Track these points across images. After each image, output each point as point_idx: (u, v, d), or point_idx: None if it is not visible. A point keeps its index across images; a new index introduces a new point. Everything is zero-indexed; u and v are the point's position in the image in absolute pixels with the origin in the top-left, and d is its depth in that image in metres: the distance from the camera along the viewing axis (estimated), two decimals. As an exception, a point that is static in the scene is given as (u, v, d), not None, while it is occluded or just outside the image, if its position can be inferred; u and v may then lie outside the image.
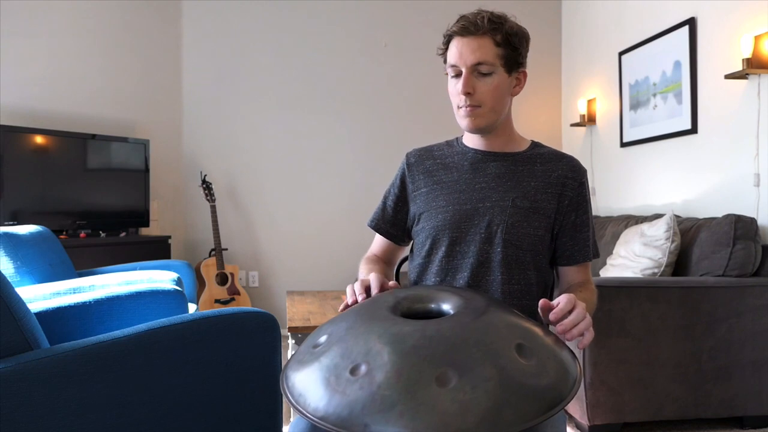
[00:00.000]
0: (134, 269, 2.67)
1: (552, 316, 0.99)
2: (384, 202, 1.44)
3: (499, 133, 1.31)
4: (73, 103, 3.83)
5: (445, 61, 1.29)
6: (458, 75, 1.25)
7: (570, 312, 1.00)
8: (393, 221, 1.42)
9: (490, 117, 1.26)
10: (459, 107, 1.26)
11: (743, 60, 2.70)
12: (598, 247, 1.36)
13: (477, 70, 1.22)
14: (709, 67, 3.05)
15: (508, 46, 1.23)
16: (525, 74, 1.31)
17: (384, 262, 1.46)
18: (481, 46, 1.21)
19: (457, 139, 1.41)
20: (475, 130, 1.28)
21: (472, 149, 1.34)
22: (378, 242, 1.46)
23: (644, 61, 3.59)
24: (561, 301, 1.00)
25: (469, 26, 1.21)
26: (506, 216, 1.26)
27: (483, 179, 1.30)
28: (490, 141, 1.32)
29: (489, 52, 1.22)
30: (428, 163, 1.38)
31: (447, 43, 1.27)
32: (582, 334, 1.01)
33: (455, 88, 1.25)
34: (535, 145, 1.36)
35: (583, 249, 1.31)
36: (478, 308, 0.90)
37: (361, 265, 1.42)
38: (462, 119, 1.28)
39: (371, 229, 1.45)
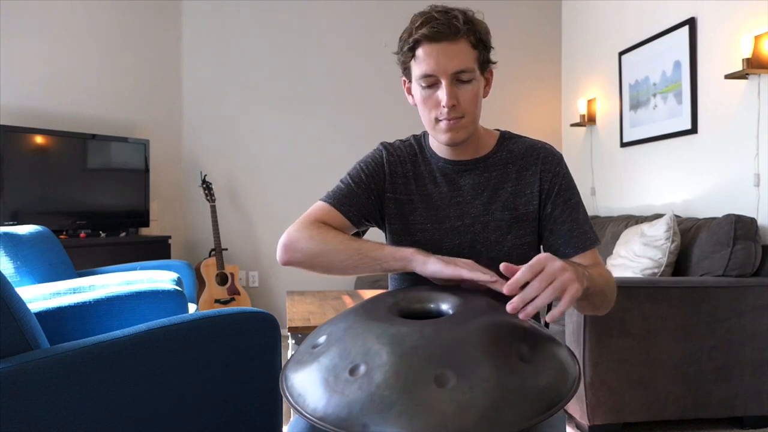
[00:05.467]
0: (134, 269, 2.67)
1: (505, 289, 0.87)
2: (349, 183, 1.23)
3: (471, 139, 1.19)
4: (73, 103, 3.83)
5: (404, 69, 1.16)
6: (432, 85, 1.12)
7: (533, 280, 0.86)
8: (356, 203, 1.21)
9: (471, 127, 1.15)
10: (438, 120, 1.13)
11: (743, 60, 2.70)
12: (595, 235, 1.21)
13: (456, 78, 1.10)
14: (709, 67, 3.05)
15: (482, 47, 1.12)
16: (492, 73, 1.19)
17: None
18: (459, 51, 1.08)
19: (424, 135, 1.27)
20: (458, 142, 1.16)
21: (443, 159, 1.22)
22: (329, 215, 1.20)
23: (644, 61, 3.59)
24: (521, 269, 0.87)
25: (444, 30, 1.07)
26: (488, 232, 1.19)
27: (458, 193, 1.21)
28: (461, 150, 1.21)
29: (468, 57, 1.09)
30: (400, 170, 1.25)
31: (412, 50, 1.12)
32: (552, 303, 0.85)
33: (431, 99, 1.12)
34: (503, 138, 1.25)
35: (570, 241, 1.18)
36: (477, 308, 0.90)
37: (318, 230, 1.15)
38: (442, 133, 1.14)
39: (330, 206, 1.20)
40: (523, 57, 4.62)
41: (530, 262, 0.88)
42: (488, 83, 1.20)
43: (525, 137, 1.27)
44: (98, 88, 3.94)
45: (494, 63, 1.18)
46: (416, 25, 1.10)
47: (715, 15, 3.02)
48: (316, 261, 1.14)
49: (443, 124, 1.13)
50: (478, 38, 1.11)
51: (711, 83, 3.04)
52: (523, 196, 1.20)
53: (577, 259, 1.18)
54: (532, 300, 0.86)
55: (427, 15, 1.10)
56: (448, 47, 1.08)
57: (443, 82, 1.10)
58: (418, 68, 1.12)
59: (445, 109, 1.11)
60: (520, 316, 0.85)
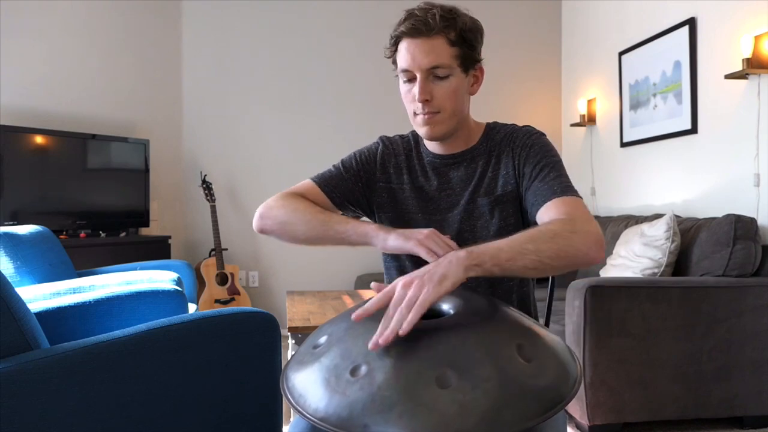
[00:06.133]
0: (134, 269, 2.67)
1: (354, 317, 0.86)
2: (339, 168, 1.28)
3: (459, 134, 1.22)
4: (73, 103, 3.83)
5: (393, 63, 1.18)
6: (411, 80, 1.15)
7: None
8: (341, 186, 1.26)
9: (450, 122, 1.17)
10: (416, 114, 1.17)
11: (743, 60, 2.70)
12: (563, 187, 1.11)
13: (433, 74, 1.12)
14: (709, 67, 3.05)
15: (464, 44, 1.13)
16: (482, 70, 1.21)
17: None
18: (434, 47, 1.11)
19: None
20: (436, 137, 1.19)
21: (432, 153, 1.26)
22: (311, 191, 1.25)
23: (644, 61, 3.59)
24: (371, 300, 0.87)
25: (420, 26, 1.10)
26: (473, 219, 1.21)
27: (448, 186, 1.24)
28: (450, 145, 1.24)
29: (444, 53, 1.11)
30: (393, 161, 1.29)
31: (395, 44, 1.16)
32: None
33: (410, 93, 1.16)
34: (489, 129, 1.27)
35: (535, 199, 1.13)
36: (478, 308, 0.90)
37: (291, 200, 1.19)
38: (420, 127, 1.18)
39: (315, 184, 1.25)
40: (523, 57, 4.62)
41: (381, 292, 0.87)
42: (477, 81, 1.20)
43: (509, 125, 1.27)
44: (98, 88, 3.94)
45: (480, 60, 1.18)
46: (400, 21, 1.14)
47: (715, 15, 3.02)
48: (285, 229, 1.19)
49: (419, 119, 1.17)
50: (460, 35, 1.12)
51: (711, 83, 3.04)
52: (501, 179, 1.21)
53: (540, 213, 1.11)
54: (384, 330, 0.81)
55: (410, 11, 1.13)
56: (424, 43, 1.11)
57: (418, 77, 1.13)
58: (399, 63, 1.16)
59: (420, 104, 1.14)
60: (380, 341, 0.79)
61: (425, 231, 1.06)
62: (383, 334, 0.80)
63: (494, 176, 1.22)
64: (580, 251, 0.99)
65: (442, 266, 0.89)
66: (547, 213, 1.09)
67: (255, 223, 1.22)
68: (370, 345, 0.80)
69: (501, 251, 0.94)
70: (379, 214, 1.29)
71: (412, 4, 1.16)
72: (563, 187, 1.12)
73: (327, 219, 1.16)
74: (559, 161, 1.19)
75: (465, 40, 1.13)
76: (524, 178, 1.18)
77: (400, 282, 0.87)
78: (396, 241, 1.06)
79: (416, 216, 1.25)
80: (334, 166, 1.30)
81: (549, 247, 0.97)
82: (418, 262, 1.09)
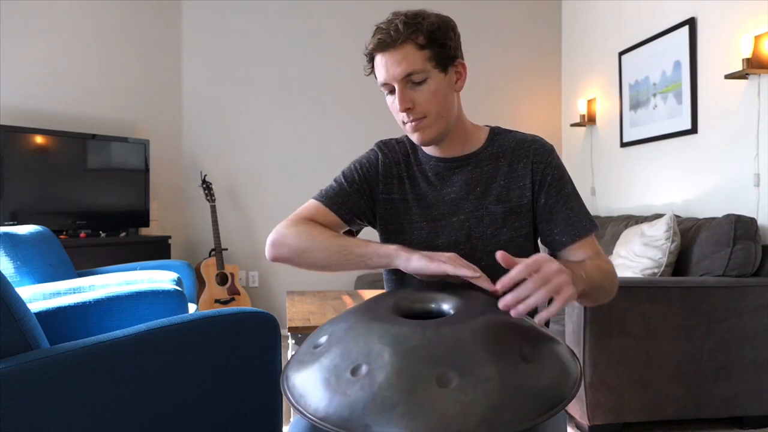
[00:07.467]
0: (134, 269, 2.67)
1: (498, 284, 0.90)
2: (342, 182, 1.27)
3: (455, 135, 1.22)
4: (73, 103, 3.83)
5: (376, 78, 1.19)
6: (392, 91, 1.16)
7: (524, 280, 0.88)
8: (348, 202, 1.25)
9: (439, 125, 1.16)
10: (404, 123, 1.18)
11: (743, 60, 2.70)
12: (591, 222, 1.21)
13: (409, 81, 1.13)
14: (709, 67, 3.05)
15: (434, 45, 1.13)
16: (464, 66, 1.19)
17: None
18: (404, 55, 1.11)
19: None
20: (427, 142, 1.19)
21: (433, 158, 1.25)
22: (320, 213, 1.24)
23: (644, 61, 3.59)
24: (517, 268, 0.90)
25: (386, 38, 1.12)
26: (483, 226, 1.20)
27: (452, 190, 1.23)
28: (447, 147, 1.23)
29: (415, 58, 1.11)
30: (395, 170, 1.27)
31: (371, 61, 1.19)
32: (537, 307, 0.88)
33: (394, 105, 1.16)
34: (494, 134, 1.26)
35: (566, 230, 1.19)
36: (478, 308, 0.90)
37: (305, 227, 1.20)
38: (411, 134, 1.19)
39: (322, 204, 1.24)
40: (523, 57, 4.62)
41: (526, 261, 0.90)
42: (460, 77, 1.20)
43: (515, 131, 1.28)
44: (98, 88, 3.94)
45: (458, 56, 1.18)
46: (370, 37, 1.16)
47: (715, 15, 3.02)
48: (302, 257, 1.18)
49: (408, 127, 1.18)
50: (428, 37, 1.12)
51: (711, 83, 3.04)
52: (516, 189, 1.21)
53: (574, 247, 1.19)
54: (525, 299, 0.87)
55: (377, 26, 1.15)
56: (393, 54, 1.13)
57: (396, 88, 1.14)
58: (377, 78, 1.18)
59: (404, 113, 1.15)
60: (512, 313, 0.87)
61: (448, 254, 1.07)
62: (516, 307, 0.86)
63: (508, 185, 1.21)
64: (612, 297, 1.17)
65: (566, 274, 0.91)
66: (583, 249, 1.19)
67: (268, 251, 1.20)
68: (501, 304, 0.88)
69: (592, 281, 1.06)
70: (382, 226, 1.28)
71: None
72: (591, 222, 1.21)
73: (345, 244, 1.16)
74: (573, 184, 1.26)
75: (435, 41, 1.13)
76: (546, 197, 1.20)
77: (552, 263, 0.90)
78: (419, 261, 1.05)
79: (420, 224, 1.24)
80: (335, 180, 1.29)
81: (610, 288, 1.15)
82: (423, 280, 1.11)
